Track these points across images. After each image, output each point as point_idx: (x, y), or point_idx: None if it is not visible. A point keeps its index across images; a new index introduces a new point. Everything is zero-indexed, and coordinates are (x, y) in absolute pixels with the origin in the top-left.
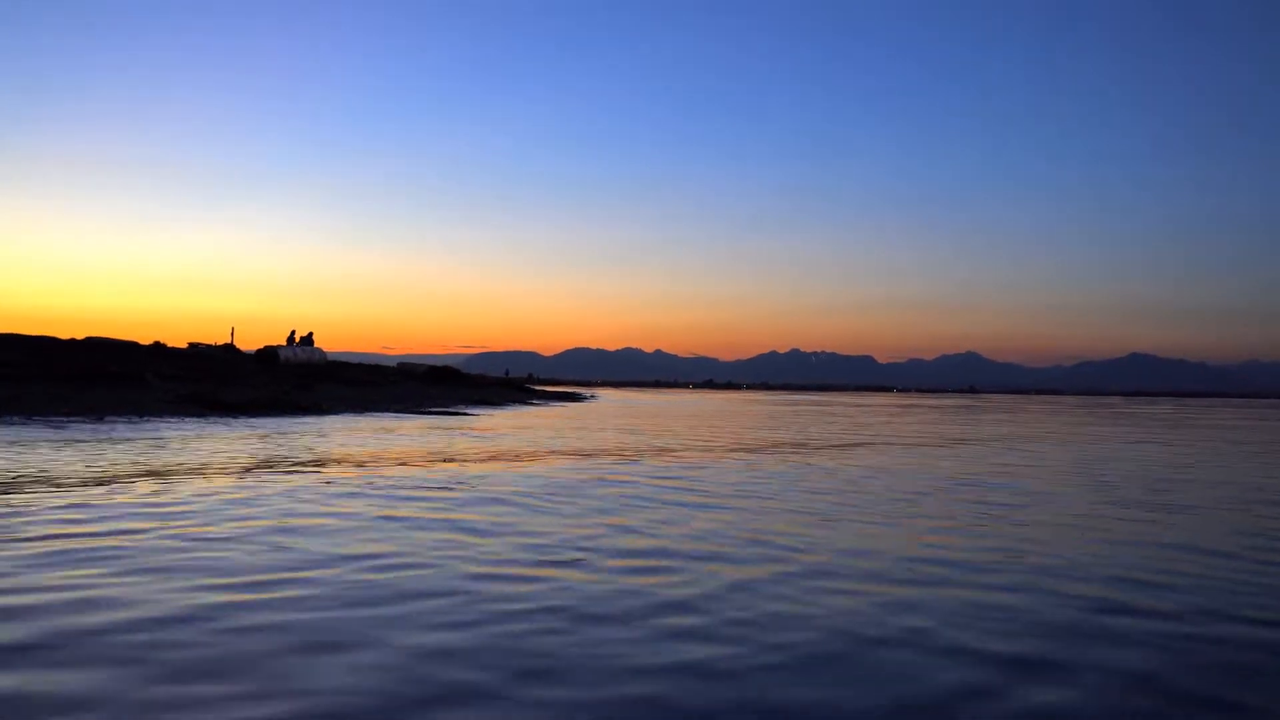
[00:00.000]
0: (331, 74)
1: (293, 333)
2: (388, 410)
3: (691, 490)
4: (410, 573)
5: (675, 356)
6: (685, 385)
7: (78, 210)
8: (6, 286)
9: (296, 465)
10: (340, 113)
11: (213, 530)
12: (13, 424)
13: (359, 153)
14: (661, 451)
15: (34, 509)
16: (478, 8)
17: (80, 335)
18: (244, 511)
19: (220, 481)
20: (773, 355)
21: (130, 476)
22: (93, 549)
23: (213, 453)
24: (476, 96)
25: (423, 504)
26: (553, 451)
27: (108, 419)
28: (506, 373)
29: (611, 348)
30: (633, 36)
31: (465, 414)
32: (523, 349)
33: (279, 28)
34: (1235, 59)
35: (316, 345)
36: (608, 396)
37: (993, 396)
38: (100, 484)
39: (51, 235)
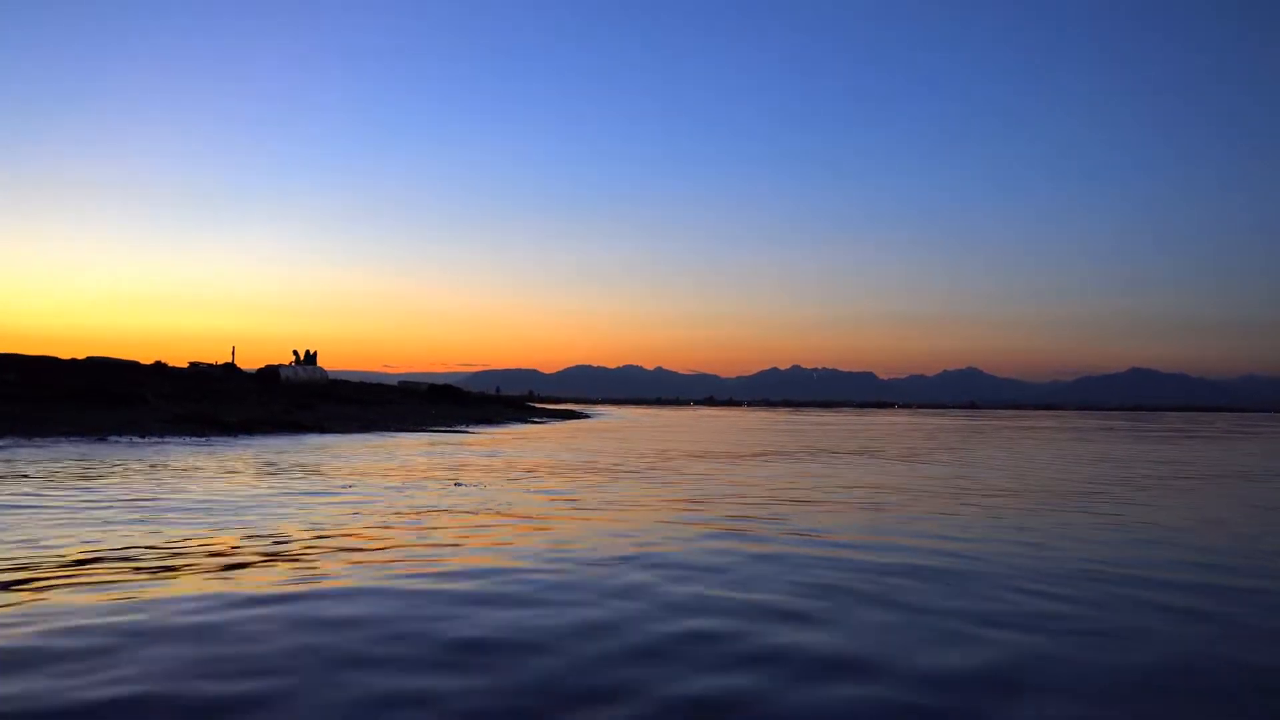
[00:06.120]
0: (332, 93)
1: (298, 352)
2: (389, 429)
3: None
4: None
5: (676, 373)
6: (686, 402)
7: (79, 231)
8: (6, 307)
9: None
10: (342, 132)
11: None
12: (9, 448)
13: (361, 172)
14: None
15: None
16: (476, 28)
17: (81, 355)
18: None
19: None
20: (773, 372)
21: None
22: None
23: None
24: (473, 117)
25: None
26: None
27: (109, 439)
28: (498, 390)
29: (612, 365)
30: (626, 55)
31: (468, 431)
32: (524, 367)
33: (279, 49)
34: (1224, 70)
35: (318, 364)
36: (611, 414)
37: (996, 411)
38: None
39: (53, 256)
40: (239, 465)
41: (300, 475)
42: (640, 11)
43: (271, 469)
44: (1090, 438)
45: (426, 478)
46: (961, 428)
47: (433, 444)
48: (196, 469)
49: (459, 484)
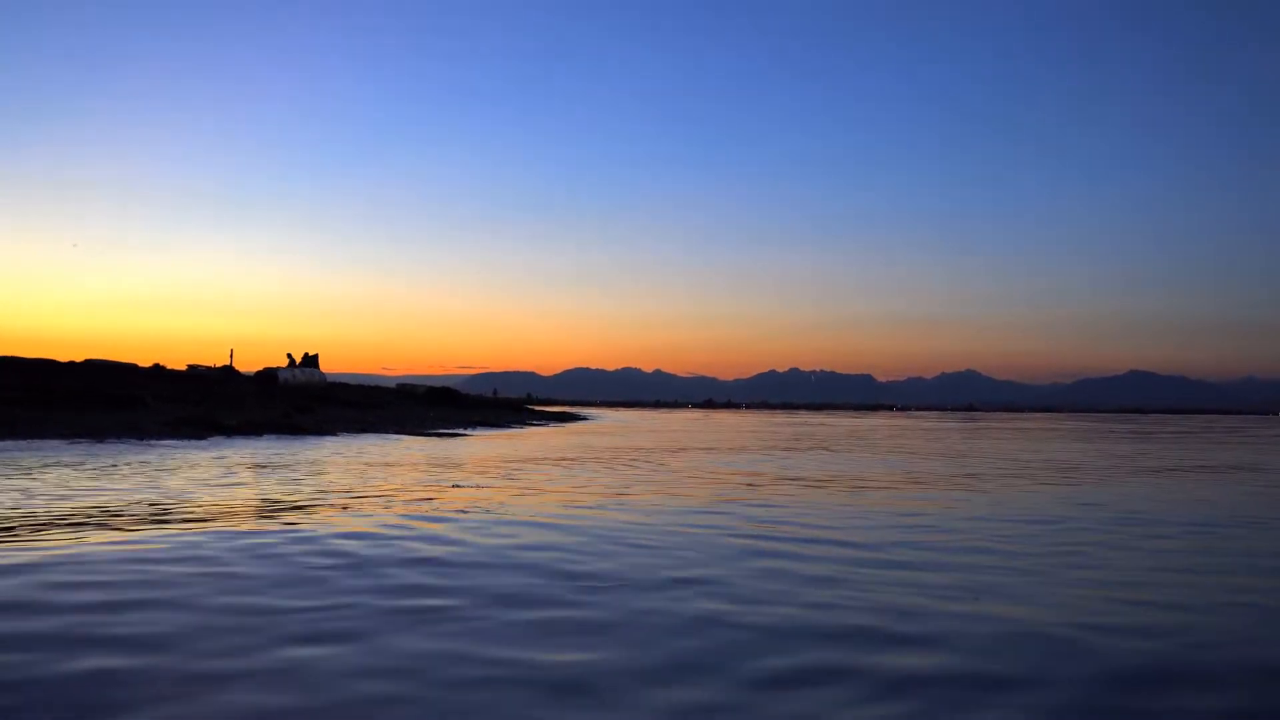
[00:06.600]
0: (331, 96)
1: (293, 355)
2: (388, 432)
3: None
4: None
5: (674, 376)
6: (685, 405)
7: (78, 232)
8: (5, 308)
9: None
10: (341, 134)
11: None
12: (8, 450)
13: (360, 175)
14: None
15: None
16: (475, 32)
17: (79, 358)
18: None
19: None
20: (771, 374)
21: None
22: None
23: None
24: (472, 119)
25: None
26: None
27: (109, 441)
28: (495, 392)
29: (611, 368)
30: (618, 56)
31: (466, 434)
32: (522, 369)
33: (280, 51)
34: (1222, 70)
35: (319, 367)
36: (609, 417)
37: (995, 414)
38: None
39: (52, 256)
40: (242, 466)
41: (305, 475)
42: (636, 14)
43: (274, 470)
44: (1098, 439)
45: (426, 478)
46: (965, 429)
47: (431, 446)
48: (198, 467)
49: (458, 485)
